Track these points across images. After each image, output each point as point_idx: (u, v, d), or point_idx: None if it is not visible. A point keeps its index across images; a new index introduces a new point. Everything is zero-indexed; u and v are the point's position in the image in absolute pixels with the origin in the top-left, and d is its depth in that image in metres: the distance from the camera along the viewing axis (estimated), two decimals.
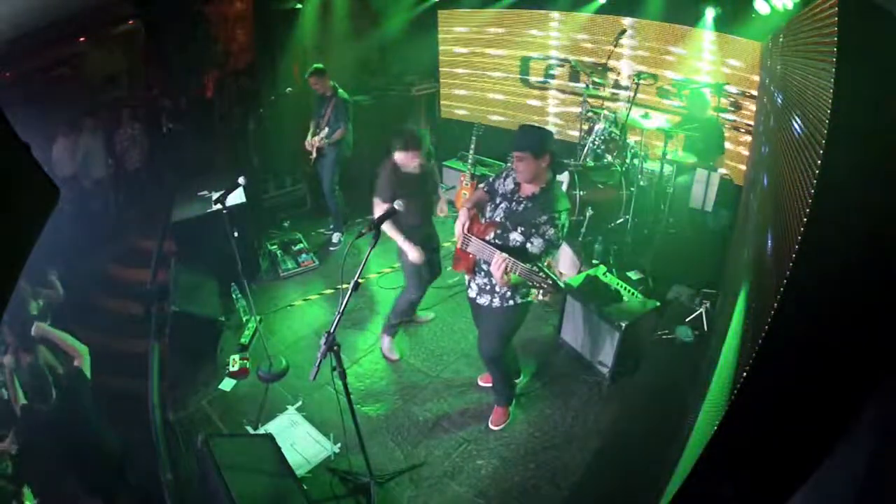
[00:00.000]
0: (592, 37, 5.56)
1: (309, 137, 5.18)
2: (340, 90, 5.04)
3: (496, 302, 2.79)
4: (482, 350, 3.08)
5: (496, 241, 2.66)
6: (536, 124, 2.70)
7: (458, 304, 4.46)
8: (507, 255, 2.43)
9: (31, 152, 1.19)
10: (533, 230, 2.56)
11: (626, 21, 5.16)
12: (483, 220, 2.78)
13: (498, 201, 2.75)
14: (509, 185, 2.75)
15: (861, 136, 1.26)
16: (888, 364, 1.17)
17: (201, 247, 4.39)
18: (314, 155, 5.17)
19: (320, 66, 4.98)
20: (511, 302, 2.78)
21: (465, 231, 2.74)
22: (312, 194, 6.09)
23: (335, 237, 5.48)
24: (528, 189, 2.66)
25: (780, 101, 2.85)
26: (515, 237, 2.60)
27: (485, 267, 2.73)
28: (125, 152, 6.10)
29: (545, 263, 2.50)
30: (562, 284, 2.38)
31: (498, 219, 2.70)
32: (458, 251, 2.83)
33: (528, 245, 2.56)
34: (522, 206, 2.65)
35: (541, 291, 2.36)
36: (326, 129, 4.98)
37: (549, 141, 2.59)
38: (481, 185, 2.97)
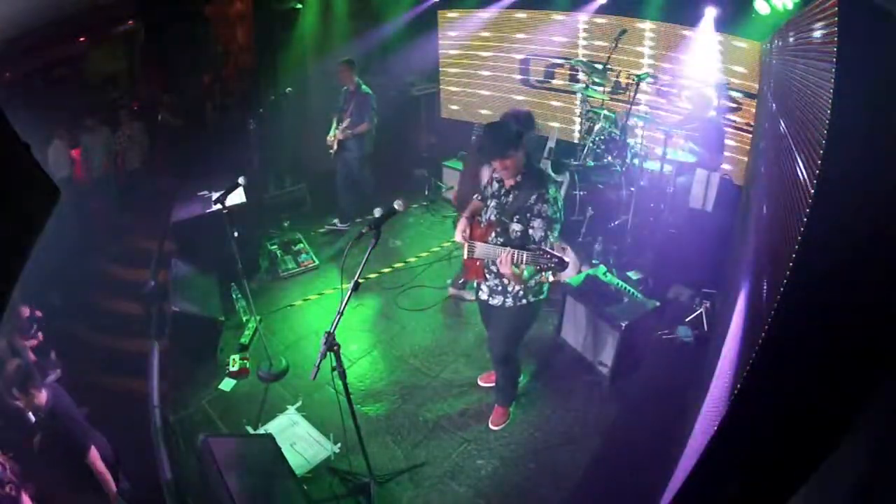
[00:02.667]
0: (592, 37, 5.56)
1: (331, 132, 5.26)
2: (364, 85, 5.14)
3: (509, 302, 2.81)
4: (494, 350, 3.09)
5: (499, 238, 2.69)
6: (493, 123, 2.71)
7: (457, 304, 4.46)
8: (510, 249, 2.45)
9: (31, 152, 1.19)
10: (528, 214, 2.59)
11: (627, 21, 5.16)
12: (482, 222, 2.81)
13: (489, 203, 2.80)
14: (494, 185, 2.80)
15: (861, 137, 1.26)
16: (888, 364, 1.17)
17: (201, 247, 4.39)
18: (335, 148, 5.24)
19: (350, 58, 5.13)
20: (524, 301, 2.79)
21: (468, 238, 2.78)
22: (312, 194, 6.09)
23: (336, 221, 5.61)
24: (510, 180, 2.70)
25: (780, 100, 2.85)
26: (515, 227, 2.63)
27: (494, 269, 2.75)
28: (125, 152, 6.11)
29: (549, 245, 2.52)
30: (567, 259, 2.41)
31: (493, 217, 2.74)
32: (466, 261, 2.88)
33: (530, 230, 2.58)
34: (511, 196, 2.69)
35: (551, 271, 2.39)
36: (348, 121, 5.07)
37: (513, 131, 2.60)
38: (475, 196, 3.01)
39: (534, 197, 2.58)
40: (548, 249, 2.39)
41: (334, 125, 5.26)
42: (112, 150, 5.99)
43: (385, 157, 6.52)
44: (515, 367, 3.22)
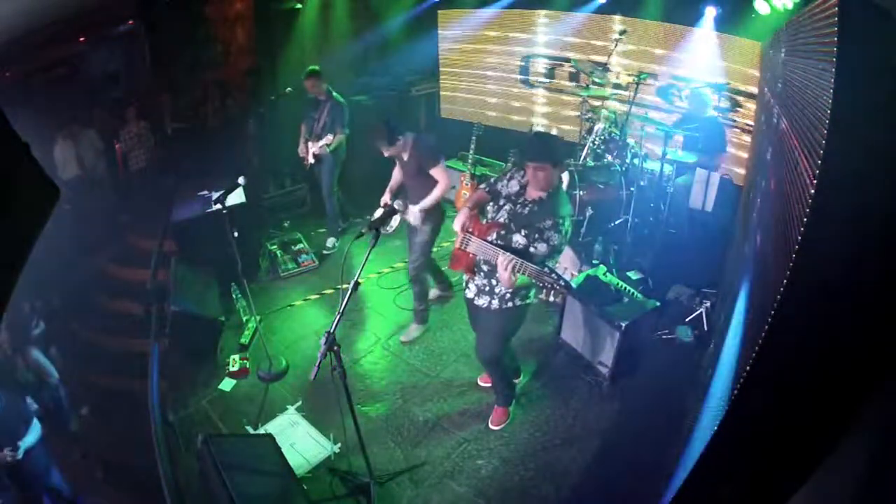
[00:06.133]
0: (592, 37, 5.56)
1: (301, 143, 5.06)
2: (336, 93, 4.94)
3: (495, 304, 2.77)
4: (479, 352, 3.05)
5: (498, 241, 2.65)
6: (547, 132, 2.74)
7: (457, 303, 4.45)
8: (512, 255, 2.42)
9: (31, 152, 1.19)
10: (537, 234, 2.55)
11: (627, 21, 5.16)
12: (484, 221, 2.76)
13: (501, 203, 2.73)
14: (514, 187, 2.72)
15: (861, 136, 1.26)
16: (888, 364, 1.17)
17: (201, 247, 4.39)
18: (310, 161, 5.05)
19: (316, 67, 4.89)
20: (510, 304, 2.76)
21: (465, 231, 2.74)
22: (312, 194, 6.09)
23: (329, 241, 5.43)
24: (534, 193, 2.63)
25: (780, 100, 2.85)
26: (518, 239, 2.59)
27: (485, 268, 2.72)
28: (130, 151, 6.10)
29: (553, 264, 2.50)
30: (572, 284, 2.36)
31: (501, 220, 2.69)
32: (456, 250, 2.80)
33: (532, 248, 2.54)
34: (528, 209, 2.63)
35: (552, 292, 2.35)
36: (330, 136, 4.84)
37: (563, 149, 2.64)
38: (482, 186, 2.96)
39: (549, 222, 2.54)
40: (556, 270, 2.34)
41: (303, 136, 5.04)
42: (99, 151, 5.95)
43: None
44: (505, 368, 3.19)
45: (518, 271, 2.41)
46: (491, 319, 2.85)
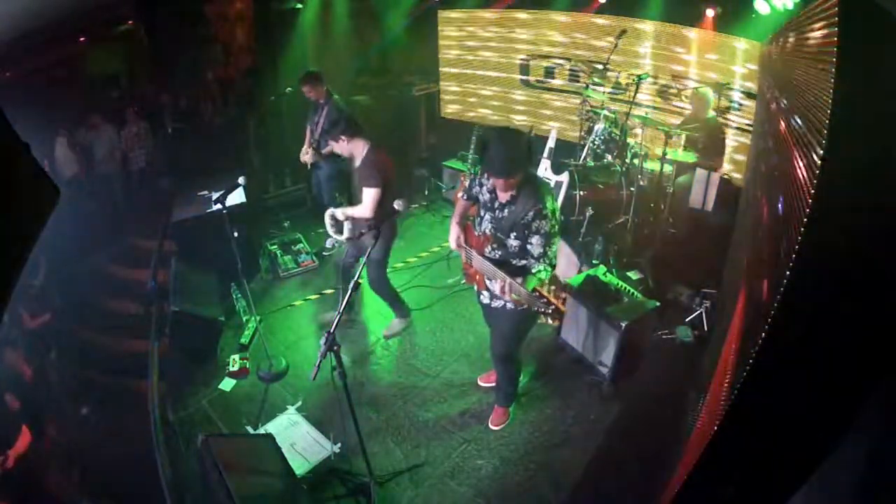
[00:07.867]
0: (592, 37, 5.56)
1: (304, 148, 4.94)
2: (336, 96, 4.76)
3: (510, 304, 2.78)
4: (495, 349, 3.08)
5: (496, 252, 2.67)
6: (505, 134, 2.50)
7: (457, 303, 4.46)
8: (505, 278, 2.41)
9: (31, 152, 1.19)
10: (526, 231, 2.54)
11: (627, 21, 5.16)
12: (477, 231, 2.79)
13: (482, 213, 2.74)
14: (485, 194, 2.71)
15: (861, 136, 1.26)
16: (888, 364, 1.17)
17: (201, 247, 4.39)
18: (308, 168, 5.03)
19: (313, 70, 4.74)
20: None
21: (463, 244, 2.77)
22: (312, 194, 6.10)
23: (329, 242, 5.39)
24: (504, 195, 2.60)
25: (780, 101, 2.85)
26: (512, 243, 2.60)
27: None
28: (130, 151, 6.11)
29: (541, 285, 2.49)
30: (562, 308, 2.36)
31: (487, 231, 2.70)
32: (465, 266, 2.89)
33: (529, 246, 2.55)
34: (506, 210, 2.61)
35: (548, 317, 2.35)
36: (321, 141, 4.71)
37: (524, 150, 2.48)
38: (460, 195, 2.96)
39: (531, 213, 2.50)
40: (547, 295, 2.35)
41: (307, 140, 4.91)
42: (117, 149, 5.99)
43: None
44: (516, 367, 3.22)
45: (511, 292, 2.41)
46: (506, 318, 2.88)
